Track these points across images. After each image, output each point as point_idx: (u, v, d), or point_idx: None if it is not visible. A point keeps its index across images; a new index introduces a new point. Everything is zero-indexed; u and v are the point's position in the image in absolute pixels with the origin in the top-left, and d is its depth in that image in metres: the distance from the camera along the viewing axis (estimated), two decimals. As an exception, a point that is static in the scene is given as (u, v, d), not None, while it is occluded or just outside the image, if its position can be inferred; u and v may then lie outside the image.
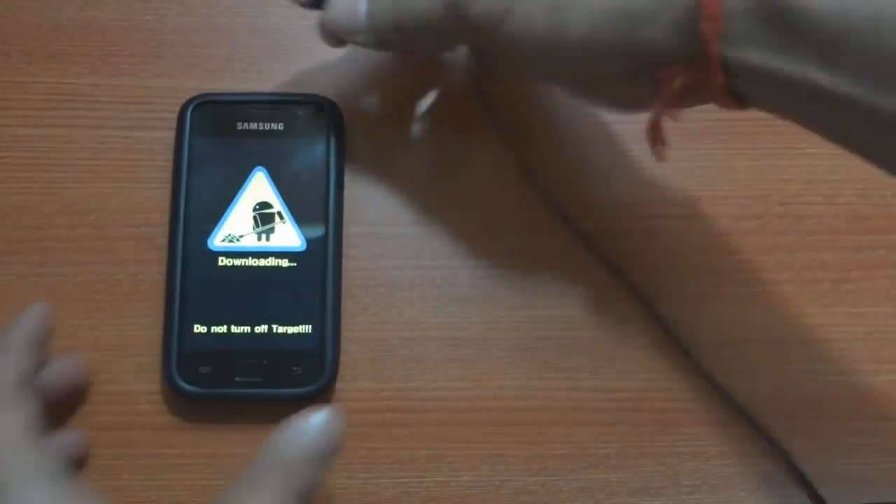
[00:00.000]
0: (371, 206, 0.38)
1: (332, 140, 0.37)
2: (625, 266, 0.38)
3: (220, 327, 0.35)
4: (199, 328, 0.35)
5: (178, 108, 0.38)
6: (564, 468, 0.36)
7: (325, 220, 0.36)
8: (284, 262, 0.36)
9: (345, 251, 0.37)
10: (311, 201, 0.36)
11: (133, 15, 0.41)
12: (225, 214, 0.36)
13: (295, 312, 0.35)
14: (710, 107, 0.39)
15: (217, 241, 0.36)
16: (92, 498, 0.29)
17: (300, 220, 0.36)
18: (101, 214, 0.38)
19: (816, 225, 0.39)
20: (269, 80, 0.40)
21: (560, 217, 0.38)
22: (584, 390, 0.36)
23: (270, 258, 0.36)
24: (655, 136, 0.31)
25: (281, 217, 0.36)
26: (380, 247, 0.38)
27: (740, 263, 0.38)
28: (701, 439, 0.36)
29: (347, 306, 0.37)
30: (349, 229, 0.37)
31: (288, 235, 0.36)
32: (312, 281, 0.36)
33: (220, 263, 0.36)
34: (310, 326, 0.35)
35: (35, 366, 0.32)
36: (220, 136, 0.37)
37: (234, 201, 0.36)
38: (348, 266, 0.37)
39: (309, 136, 0.37)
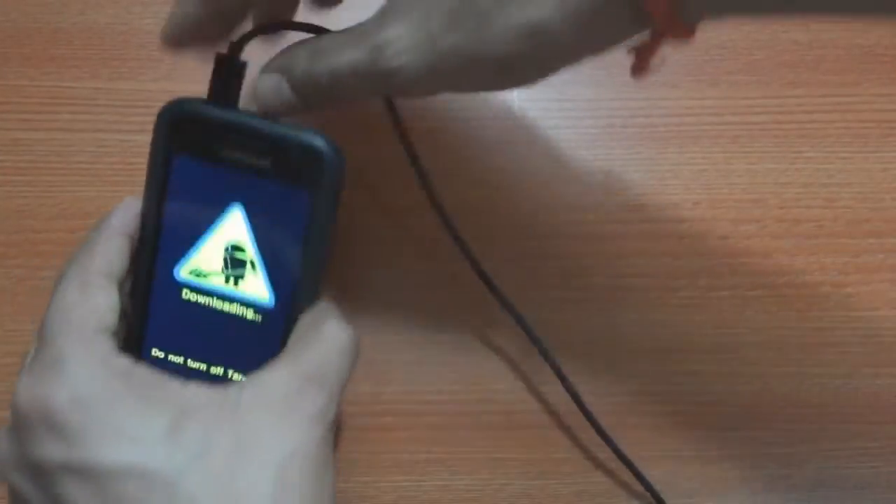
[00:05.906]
0: (370, 210, 0.39)
1: (324, 190, 0.30)
2: (623, 269, 0.38)
3: (177, 357, 0.32)
4: (157, 353, 0.32)
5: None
6: (563, 472, 0.36)
7: (301, 283, 0.31)
8: (250, 314, 0.31)
9: (346, 250, 0.37)
10: (289, 257, 0.31)
11: (132, 19, 0.41)
12: (194, 247, 0.32)
13: (254, 364, 0.30)
14: (709, 111, 0.40)
15: (184, 272, 0.32)
16: (155, 384, 0.28)
17: (273, 274, 0.31)
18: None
19: (815, 228, 0.39)
20: (268, 83, 0.40)
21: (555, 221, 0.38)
22: (583, 394, 0.36)
23: (236, 305, 0.32)
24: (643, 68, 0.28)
25: (253, 267, 0.31)
26: (379, 249, 0.38)
27: (739, 267, 0.38)
28: (701, 442, 0.36)
29: (347, 308, 0.36)
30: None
31: (257, 287, 0.31)
32: (277, 341, 0.31)
33: (183, 296, 0.32)
34: None
35: (123, 258, 0.31)
36: (198, 158, 0.31)
37: (205, 235, 0.31)
38: (348, 269, 0.37)
39: (298, 179, 0.30)
